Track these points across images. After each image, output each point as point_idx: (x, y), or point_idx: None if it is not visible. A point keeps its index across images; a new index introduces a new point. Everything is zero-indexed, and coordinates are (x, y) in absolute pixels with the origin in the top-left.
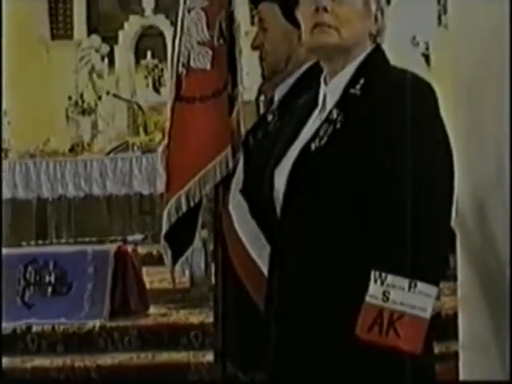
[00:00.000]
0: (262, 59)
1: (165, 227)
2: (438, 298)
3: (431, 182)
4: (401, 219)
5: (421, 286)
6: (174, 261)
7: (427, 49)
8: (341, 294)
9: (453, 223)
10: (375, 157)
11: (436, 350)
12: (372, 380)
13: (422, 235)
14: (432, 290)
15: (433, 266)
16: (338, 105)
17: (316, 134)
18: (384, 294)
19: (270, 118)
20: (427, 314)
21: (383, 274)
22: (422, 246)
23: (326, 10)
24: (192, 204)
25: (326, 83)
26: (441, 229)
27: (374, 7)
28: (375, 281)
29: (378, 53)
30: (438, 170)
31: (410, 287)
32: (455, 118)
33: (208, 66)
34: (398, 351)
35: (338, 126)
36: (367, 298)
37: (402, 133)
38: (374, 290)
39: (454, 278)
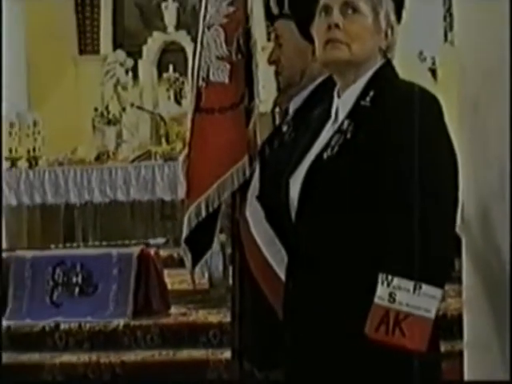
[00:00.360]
0: (278, 73)
1: (185, 232)
2: (443, 299)
3: (437, 189)
4: (408, 225)
5: (425, 288)
6: (194, 263)
7: (434, 63)
8: (352, 296)
9: (458, 229)
10: (384, 165)
11: (442, 348)
12: (381, 377)
13: (429, 241)
14: (437, 292)
15: (438, 270)
16: (349, 116)
17: (328, 144)
18: (390, 295)
19: (284, 128)
20: (431, 315)
21: (390, 277)
22: (428, 251)
23: (337, 26)
24: (211, 210)
25: (338, 96)
26: (446, 235)
27: (383, 24)
28: (382, 283)
29: (387, 67)
30: (444, 179)
31: (415, 289)
32: (460, 130)
33: (226, 80)
34: (403, 349)
35: (349, 135)
36: (375, 299)
37: (410, 143)
38: (381, 291)
39: (459, 280)
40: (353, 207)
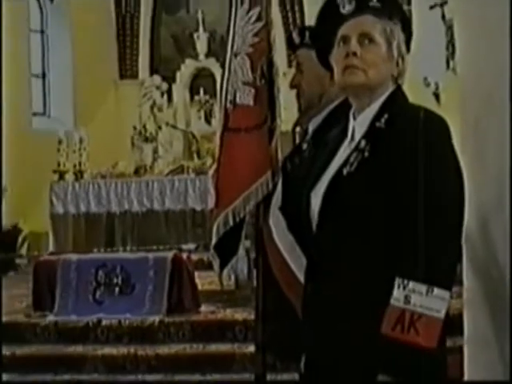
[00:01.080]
0: (299, 96)
1: (214, 239)
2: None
3: (446, 202)
4: (421, 235)
5: (437, 291)
6: (222, 267)
7: (437, 88)
8: (365, 298)
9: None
10: (397, 180)
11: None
12: (391, 369)
13: (439, 249)
14: (445, 294)
15: (446, 275)
16: (366, 136)
17: (347, 161)
18: (406, 297)
19: (304, 146)
20: (441, 315)
21: (405, 281)
22: (438, 258)
23: (355, 54)
24: (237, 219)
25: (354, 118)
26: (454, 244)
27: (395, 53)
28: (398, 286)
29: (399, 92)
30: (452, 192)
31: (427, 292)
32: (462, 149)
33: (251, 103)
34: (417, 346)
35: (366, 154)
36: (391, 301)
37: (420, 160)
38: (397, 294)
39: (460, 283)
40: (369, 219)
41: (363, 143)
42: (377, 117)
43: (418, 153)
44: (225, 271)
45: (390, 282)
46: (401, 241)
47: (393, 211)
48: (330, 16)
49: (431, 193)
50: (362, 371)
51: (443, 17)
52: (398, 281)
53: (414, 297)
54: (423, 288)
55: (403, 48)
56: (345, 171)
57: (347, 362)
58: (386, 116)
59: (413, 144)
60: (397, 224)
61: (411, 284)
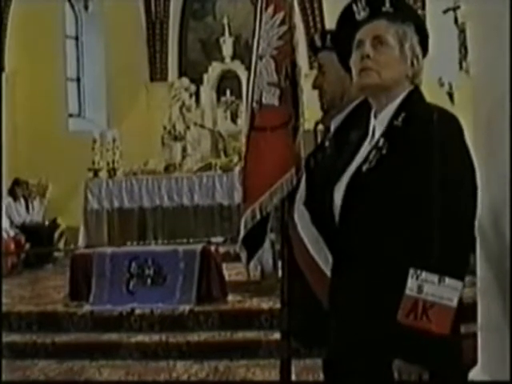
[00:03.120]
0: (321, 96)
1: (242, 232)
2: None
3: (459, 197)
4: (435, 228)
5: (448, 281)
6: (249, 259)
7: (451, 88)
8: (386, 287)
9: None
10: (414, 176)
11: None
12: (408, 354)
13: (452, 241)
14: (457, 284)
15: (458, 265)
16: (384, 134)
17: (366, 159)
18: (419, 287)
19: (327, 144)
20: (453, 304)
21: (419, 271)
22: (450, 250)
23: (368, 57)
24: (264, 214)
25: (375, 117)
26: (466, 237)
27: (409, 54)
28: (412, 276)
29: (415, 92)
30: (465, 187)
31: (439, 282)
32: (475, 146)
33: (276, 103)
34: (429, 333)
35: (384, 151)
36: (406, 291)
37: (435, 156)
38: (411, 283)
39: (474, 273)
40: (387, 212)
41: (381, 141)
42: (395, 116)
43: (432, 150)
44: (252, 262)
45: (405, 271)
46: (415, 233)
47: (408, 205)
48: (348, 23)
49: (445, 187)
50: (382, 358)
51: (456, 21)
52: (411, 271)
53: (427, 286)
54: (435, 278)
55: (417, 49)
56: (364, 168)
57: (369, 349)
58: (403, 115)
59: (428, 142)
60: (411, 218)
61: (424, 274)
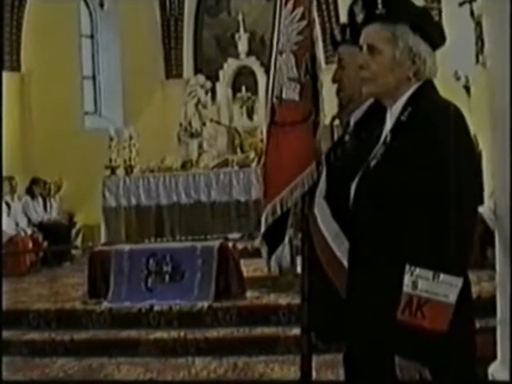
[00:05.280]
0: (339, 90)
1: (263, 228)
2: (478, 283)
3: (459, 194)
4: (431, 223)
5: (444, 277)
6: (270, 254)
7: (467, 82)
8: (396, 282)
9: (492, 224)
10: (415, 170)
11: (478, 324)
12: (406, 351)
13: (449, 237)
14: (454, 280)
15: (456, 262)
16: (391, 130)
17: (374, 155)
18: (413, 283)
19: (347, 138)
20: (450, 300)
21: (413, 267)
22: (448, 247)
23: (362, 67)
24: (285, 209)
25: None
26: (465, 233)
27: (406, 55)
28: (407, 272)
29: (425, 87)
30: (466, 185)
31: (434, 278)
32: (492, 139)
33: (297, 98)
34: (423, 330)
35: (388, 147)
36: (403, 287)
37: (437, 150)
38: (407, 280)
39: (493, 267)
40: (390, 208)
41: (388, 137)
42: (402, 111)
43: (433, 144)
44: (273, 258)
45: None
46: (413, 227)
47: (405, 201)
48: (352, 23)
49: (444, 184)
50: (387, 355)
51: (472, 13)
52: (407, 267)
53: (421, 282)
54: (429, 274)
55: (417, 47)
56: (372, 164)
57: (376, 345)
58: (409, 109)
59: (428, 136)
60: (410, 211)
61: (418, 270)
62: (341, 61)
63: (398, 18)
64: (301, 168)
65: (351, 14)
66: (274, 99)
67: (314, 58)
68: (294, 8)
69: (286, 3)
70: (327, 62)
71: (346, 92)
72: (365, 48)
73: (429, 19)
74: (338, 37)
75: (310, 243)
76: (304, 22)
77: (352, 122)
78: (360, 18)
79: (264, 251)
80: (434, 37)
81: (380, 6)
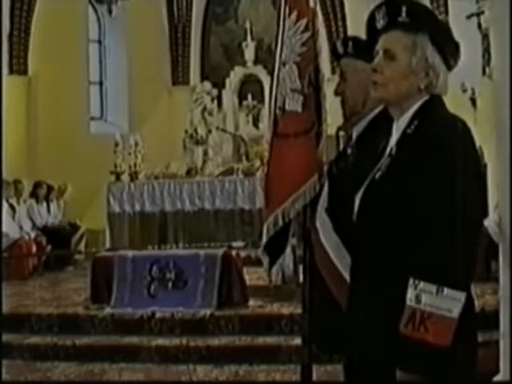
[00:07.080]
0: (343, 103)
1: (264, 239)
2: (482, 296)
3: (464, 209)
4: (436, 238)
5: (447, 291)
6: (271, 265)
7: (474, 94)
8: (400, 295)
9: (496, 237)
10: (419, 183)
11: (480, 338)
12: (407, 364)
13: (453, 252)
14: (458, 294)
15: (459, 276)
16: (397, 143)
17: (380, 167)
18: (417, 297)
19: (349, 151)
20: (453, 314)
21: (417, 281)
22: (452, 261)
23: (375, 70)
24: (286, 220)
25: (396, 125)
26: (469, 247)
27: (421, 65)
28: (411, 286)
29: (432, 100)
30: (471, 201)
31: (437, 292)
32: (497, 151)
33: (300, 109)
34: (426, 343)
35: (394, 159)
36: (406, 301)
37: (441, 165)
38: (410, 293)
39: (497, 280)
40: (395, 220)
41: (394, 149)
42: (408, 124)
43: (438, 158)
44: (273, 268)
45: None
46: (416, 241)
47: (410, 214)
48: (371, 30)
49: (448, 199)
50: (388, 367)
51: (479, 26)
52: (411, 281)
53: (425, 296)
54: (433, 288)
55: (432, 59)
56: (377, 176)
57: (377, 357)
58: (415, 123)
59: (433, 149)
60: (412, 226)
61: (422, 284)
62: (343, 73)
63: (420, 28)
64: (303, 179)
65: (371, 19)
66: (277, 110)
67: (317, 70)
68: (298, 19)
69: (289, 14)
70: (334, 72)
71: (349, 104)
72: (381, 53)
73: (448, 34)
74: (340, 49)
75: (311, 254)
76: (308, 34)
77: (354, 135)
78: (381, 24)
79: (265, 262)
80: (450, 52)
81: (404, 15)
